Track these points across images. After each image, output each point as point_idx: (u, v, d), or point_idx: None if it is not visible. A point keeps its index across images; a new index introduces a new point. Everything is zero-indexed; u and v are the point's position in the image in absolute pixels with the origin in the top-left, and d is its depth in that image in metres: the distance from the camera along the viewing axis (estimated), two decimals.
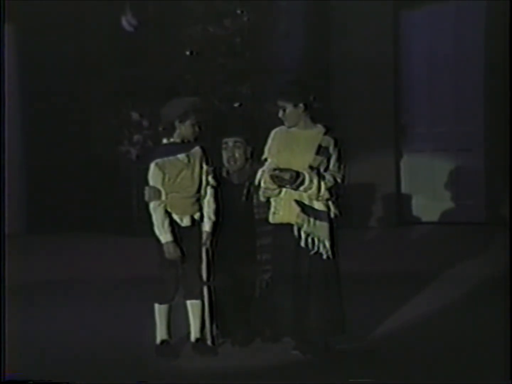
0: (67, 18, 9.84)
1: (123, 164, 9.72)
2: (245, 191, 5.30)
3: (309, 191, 4.97)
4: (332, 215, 5.08)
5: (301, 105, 5.05)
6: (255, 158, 5.33)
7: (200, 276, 5.17)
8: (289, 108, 5.06)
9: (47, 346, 5.38)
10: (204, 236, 5.17)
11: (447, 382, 4.61)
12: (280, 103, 5.08)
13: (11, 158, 7.52)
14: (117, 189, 9.73)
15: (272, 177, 5.00)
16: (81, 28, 9.96)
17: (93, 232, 9.67)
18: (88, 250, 8.97)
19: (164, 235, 5.08)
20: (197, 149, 5.17)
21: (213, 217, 5.20)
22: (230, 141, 5.35)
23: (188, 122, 5.09)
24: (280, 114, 5.09)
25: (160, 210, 5.09)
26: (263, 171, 5.09)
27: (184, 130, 5.10)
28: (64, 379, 4.58)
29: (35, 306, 6.35)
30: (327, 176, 5.00)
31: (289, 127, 5.12)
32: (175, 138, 5.13)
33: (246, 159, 5.36)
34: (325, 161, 5.04)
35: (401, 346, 5.29)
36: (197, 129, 5.13)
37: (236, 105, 9.28)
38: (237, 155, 5.34)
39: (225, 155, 5.36)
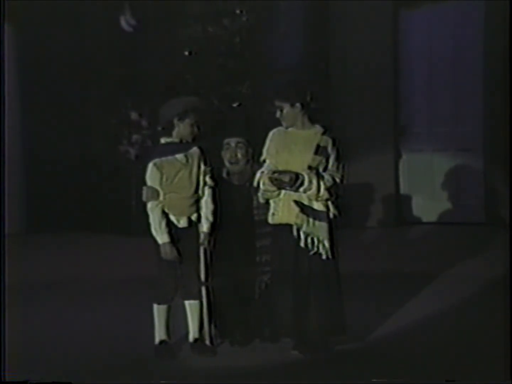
0: (66, 18, 9.85)
1: (122, 163, 9.73)
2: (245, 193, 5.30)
3: (309, 192, 4.97)
4: (331, 215, 5.08)
5: (298, 105, 5.06)
6: (255, 159, 5.33)
7: (198, 276, 5.18)
8: (286, 108, 5.06)
9: (47, 346, 5.38)
10: (202, 236, 5.16)
11: (447, 382, 4.61)
12: (277, 103, 5.09)
13: (11, 158, 7.52)
14: (117, 188, 9.73)
15: (271, 179, 5.00)
16: (80, 28, 9.97)
17: (93, 232, 9.67)
18: (88, 250, 8.98)
19: (161, 236, 5.09)
20: (195, 149, 5.17)
21: (211, 218, 5.18)
22: (232, 142, 5.34)
23: (187, 121, 5.09)
24: (278, 114, 5.10)
25: (158, 211, 5.09)
26: (262, 172, 5.09)
27: (182, 129, 5.10)
28: (64, 379, 4.58)
29: (35, 306, 6.36)
30: (326, 176, 5.01)
31: (287, 127, 5.12)
32: (174, 137, 5.13)
33: (248, 160, 5.36)
34: (323, 161, 5.04)
35: (401, 346, 5.29)
36: (195, 129, 5.13)
37: (235, 105, 9.27)
38: (239, 155, 5.33)
39: (227, 156, 5.36)
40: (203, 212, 5.19)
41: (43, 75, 9.95)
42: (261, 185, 5.08)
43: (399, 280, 6.92)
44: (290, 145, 5.09)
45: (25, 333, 5.44)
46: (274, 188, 5.03)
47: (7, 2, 6.20)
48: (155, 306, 5.21)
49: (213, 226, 5.20)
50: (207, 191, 5.20)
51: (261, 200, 5.14)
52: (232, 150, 5.34)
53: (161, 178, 5.09)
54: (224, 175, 5.39)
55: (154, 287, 5.23)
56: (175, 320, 5.26)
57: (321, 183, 4.97)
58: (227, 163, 5.38)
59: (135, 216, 8.91)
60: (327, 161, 5.06)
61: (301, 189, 4.97)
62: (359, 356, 5.11)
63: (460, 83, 9.78)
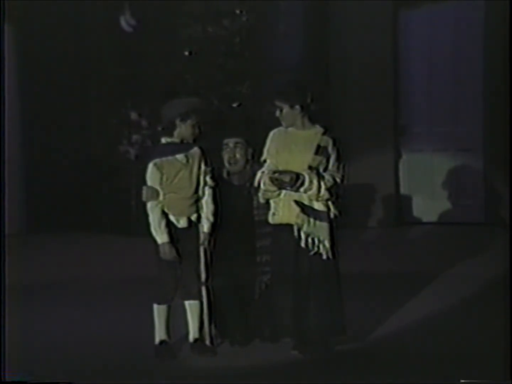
0: (66, 18, 9.86)
1: (122, 163, 9.73)
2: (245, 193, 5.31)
3: (309, 192, 4.97)
4: (332, 215, 5.08)
5: (297, 106, 5.06)
6: (256, 159, 5.33)
7: (198, 276, 5.18)
8: (286, 108, 5.06)
9: (47, 346, 5.38)
10: (202, 237, 5.16)
11: (447, 382, 4.61)
12: (277, 103, 5.09)
13: (11, 158, 7.52)
14: (117, 189, 9.73)
15: (272, 179, 5.00)
16: (80, 28, 9.97)
17: (93, 232, 9.67)
18: (88, 250, 8.98)
19: (160, 236, 5.09)
20: (196, 150, 5.17)
21: (211, 218, 5.19)
22: (231, 142, 5.35)
23: (189, 122, 5.10)
24: (277, 113, 5.11)
25: (157, 211, 5.10)
26: (263, 172, 5.10)
27: (184, 129, 5.11)
28: (64, 379, 4.58)
29: (35, 306, 6.35)
30: (327, 176, 5.01)
31: (286, 127, 5.13)
32: (175, 138, 5.14)
33: (247, 160, 5.36)
34: (324, 161, 5.05)
35: (401, 346, 5.29)
36: (197, 130, 5.14)
37: (235, 105, 9.27)
38: (238, 156, 5.34)
39: (225, 156, 5.36)
40: (203, 213, 5.19)
41: (43, 75, 9.95)
42: (261, 185, 5.08)
43: (399, 280, 6.92)
44: (291, 145, 5.09)
45: (25, 333, 5.44)
46: (274, 188, 5.03)
47: (7, 2, 6.21)
48: (155, 306, 5.21)
49: (214, 226, 5.20)
50: (208, 191, 5.21)
51: (262, 200, 5.14)
52: (231, 150, 5.35)
53: (161, 178, 5.09)
54: (224, 175, 5.39)
55: (154, 287, 5.23)
56: (175, 320, 5.26)
57: (322, 183, 4.97)
58: (226, 164, 5.39)
59: (135, 216, 8.91)
60: (328, 161, 5.06)
61: (302, 189, 4.97)
62: (359, 356, 5.11)
63: (460, 83, 9.78)
